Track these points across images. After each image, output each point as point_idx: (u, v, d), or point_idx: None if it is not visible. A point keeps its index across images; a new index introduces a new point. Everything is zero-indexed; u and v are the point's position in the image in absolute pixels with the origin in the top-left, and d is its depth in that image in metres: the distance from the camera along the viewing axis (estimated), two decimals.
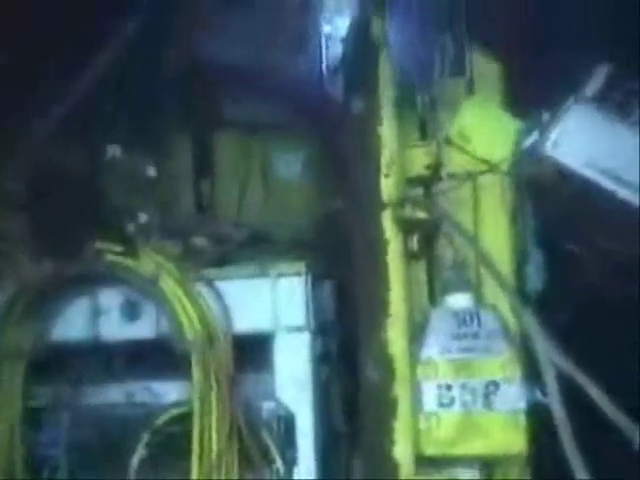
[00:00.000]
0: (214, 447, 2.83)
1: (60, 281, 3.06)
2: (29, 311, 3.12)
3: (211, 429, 2.85)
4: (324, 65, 4.05)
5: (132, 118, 4.80)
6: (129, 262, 3.02)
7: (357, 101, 2.76)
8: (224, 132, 4.59)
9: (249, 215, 4.36)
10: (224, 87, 4.89)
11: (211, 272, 3.26)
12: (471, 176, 3.05)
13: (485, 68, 3.21)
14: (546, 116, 2.67)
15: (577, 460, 2.13)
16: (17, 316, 3.08)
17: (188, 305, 2.98)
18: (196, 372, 2.91)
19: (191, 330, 2.94)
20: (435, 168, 3.09)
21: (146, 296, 3.07)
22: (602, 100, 2.53)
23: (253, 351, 3.20)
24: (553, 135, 2.54)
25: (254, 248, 3.73)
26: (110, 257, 3.03)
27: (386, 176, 2.73)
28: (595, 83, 2.55)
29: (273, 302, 3.20)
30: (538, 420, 2.54)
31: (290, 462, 3.05)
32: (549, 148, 2.55)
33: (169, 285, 2.98)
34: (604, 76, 2.54)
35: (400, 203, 2.67)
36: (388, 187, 2.73)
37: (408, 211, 2.71)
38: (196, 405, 2.87)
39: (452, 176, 3.08)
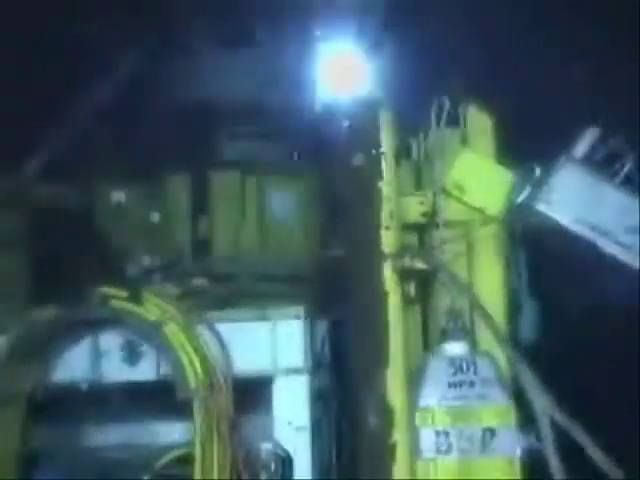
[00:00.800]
0: None
1: (65, 325, 3.11)
2: (31, 353, 3.16)
3: (212, 472, 2.90)
4: (317, 108, 4.19)
5: (131, 157, 4.91)
6: (134, 308, 3.08)
7: (358, 155, 2.88)
8: (222, 171, 4.70)
9: (245, 253, 4.46)
10: (223, 127, 5.02)
11: (212, 315, 3.33)
12: (466, 225, 3.17)
13: (479, 120, 3.35)
14: (538, 171, 2.81)
15: None
16: (20, 358, 3.12)
17: (191, 351, 3.05)
18: (197, 417, 2.97)
19: (193, 376, 3.00)
20: (431, 216, 3.21)
21: (149, 341, 3.13)
22: (590, 161, 2.68)
23: (251, 392, 3.26)
24: (545, 193, 2.68)
25: (252, 286, 3.81)
26: (115, 302, 3.09)
27: (387, 228, 2.83)
28: (584, 145, 2.70)
29: (272, 345, 3.28)
30: (533, 466, 2.62)
31: None
32: (541, 205, 2.69)
33: (173, 331, 3.05)
34: (592, 139, 2.69)
35: (399, 254, 2.77)
36: (388, 239, 2.84)
37: (407, 261, 2.81)
38: (197, 449, 2.93)
39: (448, 224, 3.20)
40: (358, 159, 2.88)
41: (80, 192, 4.68)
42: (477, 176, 3.17)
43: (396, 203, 2.98)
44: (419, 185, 3.37)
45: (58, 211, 4.53)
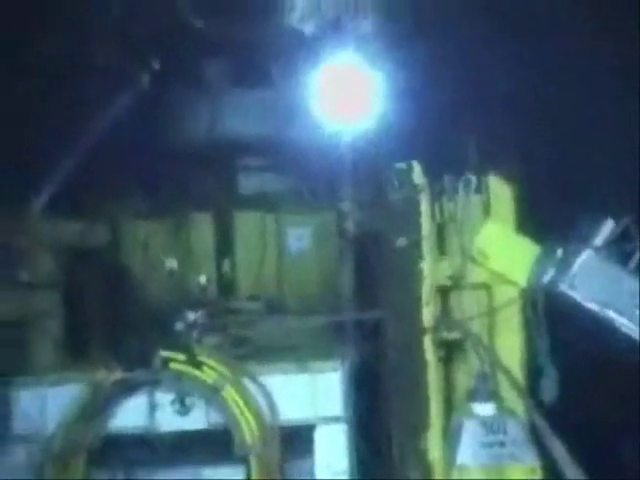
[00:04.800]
0: None
1: (127, 385, 3.39)
2: (94, 408, 3.44)
3: None
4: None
5: (151, 193, 5.13)
6: (194, 371, 3.36)
7: (401, 238, 3.19)
8: (242, 210, 4.97)
9: (265, 289, 4.76)
10: (237, 160, 5.27)
11: (255, 368, 3.63)
12: (489, 289, 3.53)
13: (500, 190, 3.67)
14: (560, 252, 3.18)
15: None
16: (85, 413, 3.40)
17: (246, 410, 3.35)
18: (254, 469, 3.29)
19: (249, 434, 3.32)
20: (457, 279, 3.55)
21: (207, 402, 3.42)
22: (607, 249, 3.07)
23: (293, 439, 3.59)
24: (568, 277, 3.06)
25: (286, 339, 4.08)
26: (175, 365, 3.36)
27: (427, 304, 3.17)
28: (602, 236, 3.08)
29: (312, 395, 3.60)
30: None
31: None
32: (565, 287, 3.07)
33: (230, 393, 3.35)
34: (610, 229, 3.08)
35: (437, 326, 3.12)
36: (428, 314, 3.18)
37: (444, 333, 3.16)
38: None
39: (472, 286, 3.55)
40: (401, 241, 3.20)
41: (106, 229, 4.90)
42: (501, 245, 3.51)
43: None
44: (442, 247, 3.68)
45: (88, 252, 4.75)
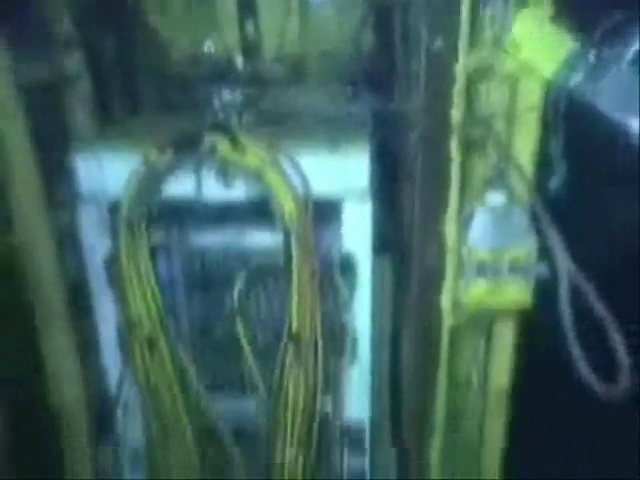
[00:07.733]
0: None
1: (177, 165, 3.74)
2: (150, 184, 3.89)
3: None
4: None
5: None
6: (239, 158, 3.68)
7: (438, 39, 3.22)
8: None
9: (290, 53, 4.86)
10: None
11: (290, 150, 3.94)
12: (514, 81, 3.66)
13: None
14: (592, 57, 3.25)
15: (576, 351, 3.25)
16: (142, 188, 3.85)
17: (284, 190, 3.77)
18: (295, 249, 3.83)
19: (287, 208, 3.78)
20: (485, 70, 3.66)
21: (251, 187, 3.78)
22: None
23: (323, 212, 4.07)
24: (596, 88, 3.18)
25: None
26: (222, 151, 3.67)
27: (457, 105, 3.35)
28: (637, 45, 3.10)
29: (342, 174, 3.99)
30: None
31: (351, 289, 4.21)
32: (590, 96, 3.21)
33: (271, 177, 3.72)
34: None
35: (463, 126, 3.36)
36: (456, 114, 3.38)
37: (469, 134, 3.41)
38: (295, 254, 3.84)
39: (499, 79, 3.68)
40: (438, 42, 3.24)
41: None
42: (535, 37, 3.53)
43: None
44: (473, 38, 3.66)
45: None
